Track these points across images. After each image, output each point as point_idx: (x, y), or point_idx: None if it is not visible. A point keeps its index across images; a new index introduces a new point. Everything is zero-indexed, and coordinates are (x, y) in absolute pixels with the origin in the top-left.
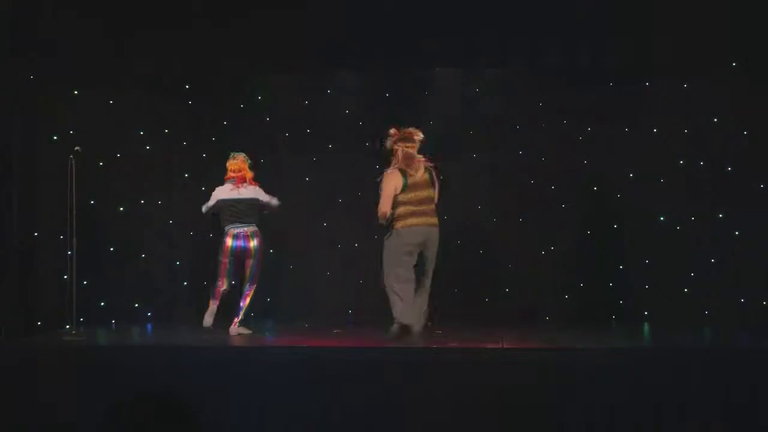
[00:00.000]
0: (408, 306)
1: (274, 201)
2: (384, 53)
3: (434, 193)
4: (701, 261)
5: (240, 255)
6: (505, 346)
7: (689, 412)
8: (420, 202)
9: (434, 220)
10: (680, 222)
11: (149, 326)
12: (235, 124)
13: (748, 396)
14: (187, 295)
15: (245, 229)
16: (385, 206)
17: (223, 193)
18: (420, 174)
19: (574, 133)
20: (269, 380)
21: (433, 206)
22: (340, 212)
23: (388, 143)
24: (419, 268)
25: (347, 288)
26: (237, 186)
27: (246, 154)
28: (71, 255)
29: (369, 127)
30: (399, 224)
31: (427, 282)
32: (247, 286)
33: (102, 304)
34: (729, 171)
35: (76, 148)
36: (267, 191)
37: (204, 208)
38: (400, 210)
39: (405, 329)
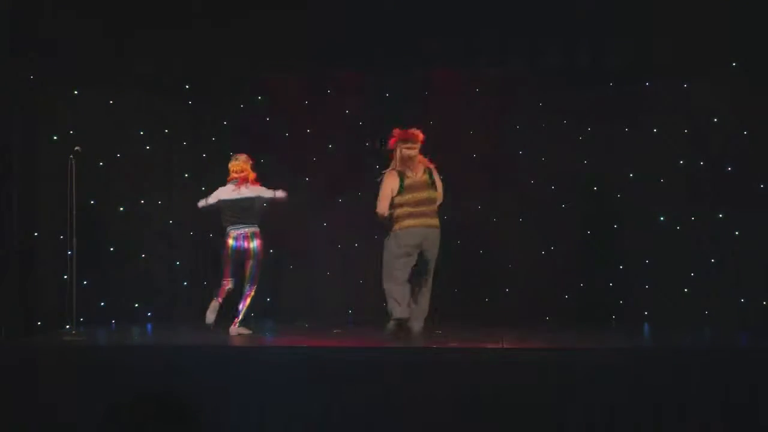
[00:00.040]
0: (404, 306)
1: (279, 193)
2: (384, 53)
3: (436, 194)
4: (701, 261)
5: (240, 255)
6: (505, 346)
7: (689, 412)
8: (418, 203)
9: (433, 221)
10: (680, 222)
11: (149, 326)
12: (235, 124)
13: (748, 396)
14: (187, 295)
15: (246, 230)
16: (380, 207)
17: (224, 193)
18: (419, 175)
19: (574, 133)
20: (269, 380)
21: (433, 207)
22: (340, 212)
23: (390, 144)
24: (420, 268)
25: (347, 288)
26: (239, 187)
27: (247, 154)
28: (71, 255)
29: (369, 127)
30: (396, 226)
31: (429, 282)
32: (248, 286)
33: (102, 304)
34: (729, 171)
35: (76, 148)
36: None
37: (201, 202)
38: (398, 212)
39: (401, 323)
